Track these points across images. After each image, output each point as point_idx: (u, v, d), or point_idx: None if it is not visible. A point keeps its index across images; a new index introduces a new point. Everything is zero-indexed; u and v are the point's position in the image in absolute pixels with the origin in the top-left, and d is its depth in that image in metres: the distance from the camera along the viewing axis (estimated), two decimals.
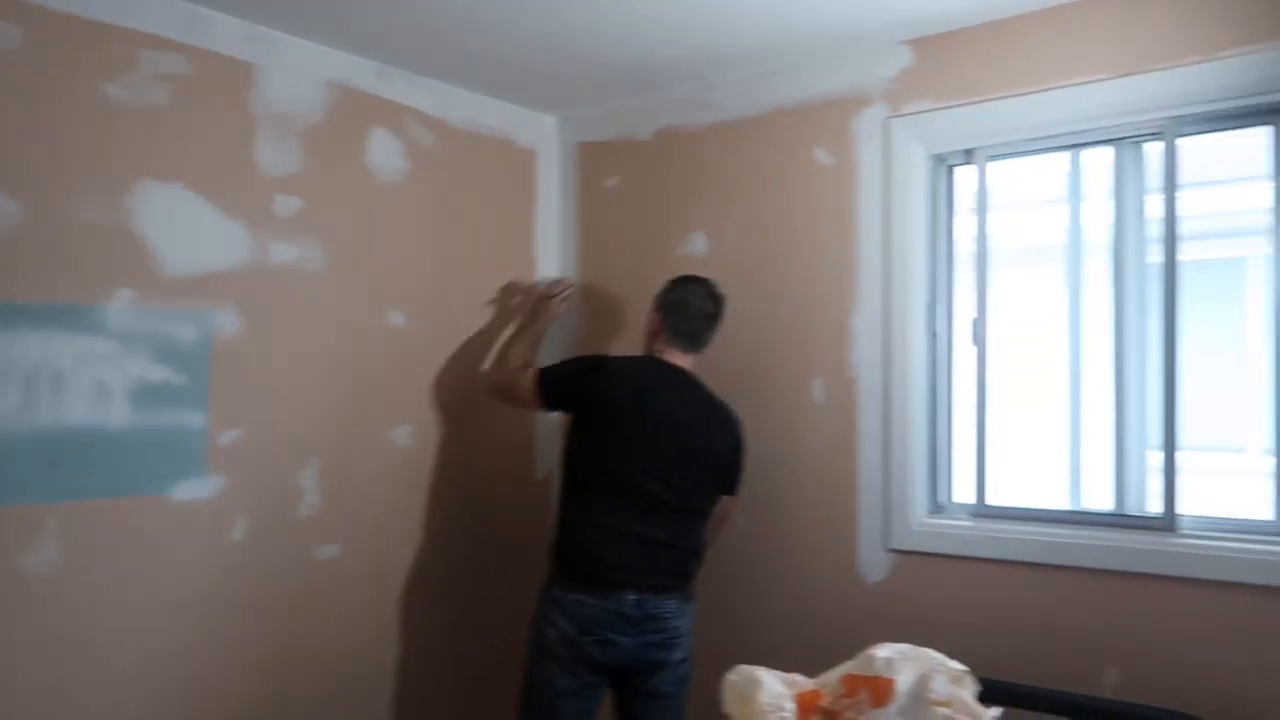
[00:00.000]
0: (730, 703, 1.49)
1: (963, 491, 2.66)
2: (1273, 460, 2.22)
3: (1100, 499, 2.49)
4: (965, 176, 2.69)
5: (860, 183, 2.75)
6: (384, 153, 2.89)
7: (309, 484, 2.70)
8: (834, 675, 1.50)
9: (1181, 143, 2.34)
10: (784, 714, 1.39)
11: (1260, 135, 2.27)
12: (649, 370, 2.59)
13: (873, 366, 2.70)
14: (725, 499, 2.66)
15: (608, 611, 2.40)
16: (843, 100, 2.78)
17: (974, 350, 2.62)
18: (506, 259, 3.23)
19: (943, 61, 2.61)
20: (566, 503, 2.55)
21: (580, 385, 2.59)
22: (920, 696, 1.36)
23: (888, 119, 2.70)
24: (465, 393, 3.07)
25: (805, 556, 2.81)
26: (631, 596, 2.41)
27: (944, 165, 2.69)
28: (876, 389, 2.69)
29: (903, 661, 1.42)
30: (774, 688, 1.44)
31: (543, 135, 3.37)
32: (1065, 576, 2.40)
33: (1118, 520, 2.40)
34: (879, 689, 1.40)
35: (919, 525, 2.63)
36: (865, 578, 2.70)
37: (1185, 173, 2.33)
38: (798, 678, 1.51)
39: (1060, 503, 2.57)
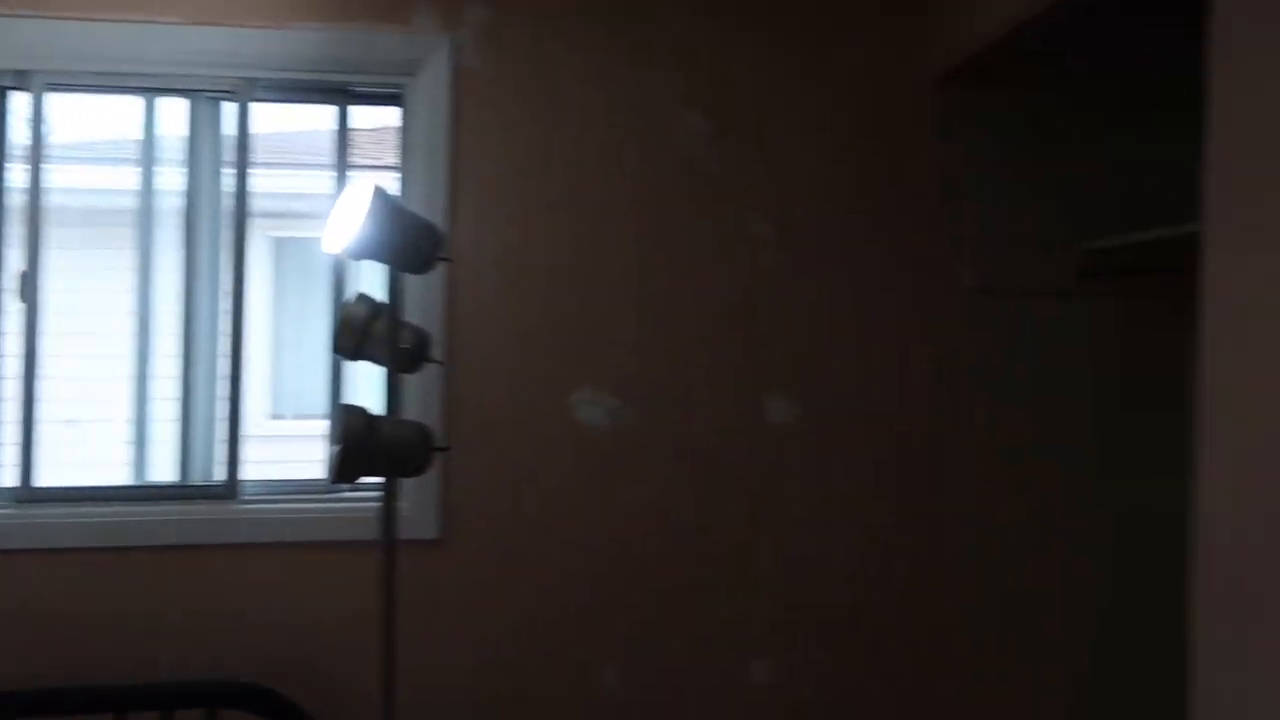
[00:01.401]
0: None
1: (8, 474, 2.26)
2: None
3: (169, 472, 2.35)
4: (20, 105, 2.28)
5: None
6: None
7: None
8: None
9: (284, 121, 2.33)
10: None
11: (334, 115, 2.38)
12: None
13: None
14: None
15: None
16: None
17: (23, 310, 2.24)
18: None
19: None
20: None
21: None
22: None
23: None
24: None
25: None
26: None
27: None
28: None
29: None
30: None
31: None
32: (125, 557, 2.20)
33: (181, 492, 2.29)
34: None
35: None
36: None
37: (294, 155, 2.33)
38: None
39: (125, 479, 2.35)
